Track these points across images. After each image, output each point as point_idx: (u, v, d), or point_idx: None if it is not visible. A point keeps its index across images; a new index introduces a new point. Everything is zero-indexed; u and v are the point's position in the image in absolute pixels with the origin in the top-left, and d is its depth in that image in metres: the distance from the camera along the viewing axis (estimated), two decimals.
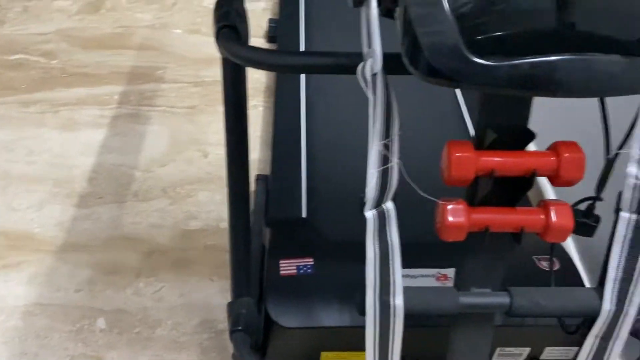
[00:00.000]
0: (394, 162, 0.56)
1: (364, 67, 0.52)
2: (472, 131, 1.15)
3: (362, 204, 0.57)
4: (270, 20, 1.79)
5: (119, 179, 1.38)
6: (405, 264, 0.62)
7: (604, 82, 0.44)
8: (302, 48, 1.52)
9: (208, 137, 1.48)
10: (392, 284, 0.61)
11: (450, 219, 0.57)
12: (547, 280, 0.85)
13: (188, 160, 1.42)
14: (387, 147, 0.54)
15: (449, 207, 0.57)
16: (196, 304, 1.14)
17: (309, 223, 1.05)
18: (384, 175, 0.56)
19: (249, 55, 0.58)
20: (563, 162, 0.55)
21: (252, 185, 1.36)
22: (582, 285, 0.92)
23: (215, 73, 1.68)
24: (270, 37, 1.78)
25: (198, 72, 1.68)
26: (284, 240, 0.99)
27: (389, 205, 0.58)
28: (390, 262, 0.60)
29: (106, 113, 1.55)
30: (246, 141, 0.76)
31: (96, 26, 1.85)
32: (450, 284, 0.89)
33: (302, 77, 1.43)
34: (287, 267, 0.90)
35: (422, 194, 0.58)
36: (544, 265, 0.90)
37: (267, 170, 1.36)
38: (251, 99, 1.59)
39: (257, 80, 1.65)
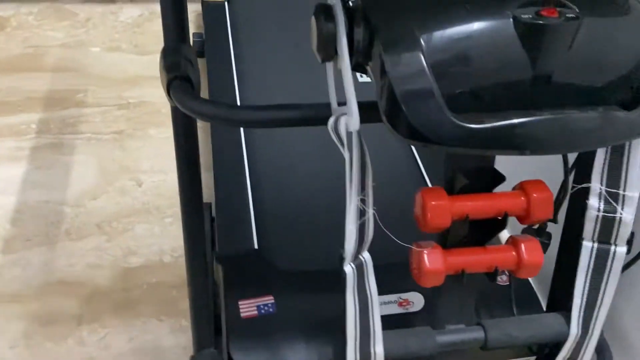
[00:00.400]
0: (370, 214, 0.54)
1: (337, 123, 0.49)
2: (424, 173, 1.14)
3: (341, 259, 0.55)
4: (195, 35, 1.73)
5: (46, 217, 1.28)
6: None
7: (582, 139, 0.44)
8: (234, 66, 1.47)
9: (140, 164, 1.41)
10: (372, 333, 0.60)
11: (429, 265, 0.56)
12: (505, 294, 0.87)
13: (121, 191, 1.34)
14: (363, 201, 0.53)
15: (426, 253, 0.56)
16: (146, 347, 1.08)
17: (261, 255, 1.01)
18: (361, 228, 0.54)
19: (208, 112, 0.54)
20: (532, 202, 0.56)
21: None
22: (534, 295, 0.95)
23: (140, 94, 1.59)
24: (198, 52, 1.71)
25: (122, 94, 1.59)
26: (239, 278, 0.95)
27: (365, 256, 0.57)
28: (370, 311, 0.59)
29: (24, 144, 1.43)
30: (200, 188, 0.72)
31: (2, 47, 1.71)
32: (412, 308, 0.89)
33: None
34: (247, 308, 0.87)
35: (398, 241, 0.56)
36: (502, 280, 0.92)
37: (209, 197, 1.31)
38: None
39: None
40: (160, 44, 1.85)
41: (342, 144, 0.49)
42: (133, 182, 1.36)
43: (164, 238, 1.26)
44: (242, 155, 1.22)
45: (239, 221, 1.08)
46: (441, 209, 0.53)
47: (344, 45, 0.46)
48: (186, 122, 0.64)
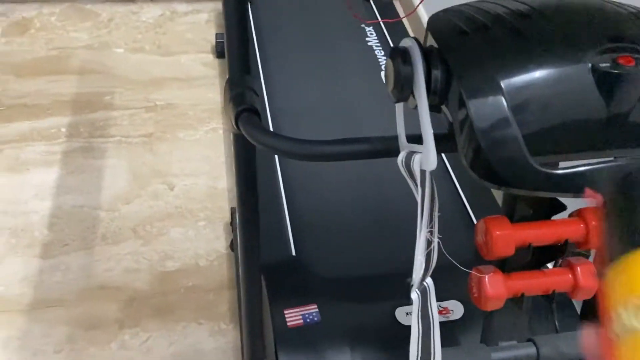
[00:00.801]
0: (435, 244, 0.56)
1: (411, 161, 0.51)
2: (462, 193, 1.13)
3: (409, 287, 0.58)
4: (218, 35, 1.74)
5: (82, 222, 1.30)
6: (406, 300, 0.64)
7: None
8: (260, 67, 1.49)
9: (171, 167, 1.43)
10: (433, 353, 0.62)
11: (490, 291, 0.58)
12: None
13: (154, 195, 1.37)
14: (431, 232, 0.55)
15: (487, 279, 0.59)
16: (187, 351, 1.11)
17: (300, 262, 1.04)
18: (427, 257, 0.56)
19: (279, 146, 0.56)
20: (591, 230, 0.58)
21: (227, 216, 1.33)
22: (574, 310, 0.97)
23: (166, 96, 1.61)
24: (219, 52, 1.73)
25: (148, 96, 1.61)
26: (282, 286, 0.98)
27: (429, 281, 0.59)
28: (432, 333, 0.61)
29: (55, 149, 1.45)
30: (257, 211, 0.74)
31: (27, 49, 1.72)
32: (452, 316, 0.92)
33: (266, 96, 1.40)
34: (293, 317, 0.90)
35: (459, 267, 0.59)
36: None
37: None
38: (209, 121, 1.55)
39: (212, 100, 1.61)
40: (182, 45, 1.88)
41: (414, 180, 0.51)
42: (165, 185, 1.39)
43: (198, 242, 1.28)
44: (274, 159, 1.24)
45: (274, 228, 1.10)
46: (506, 238, 0.55)
47: (422, 89, 0.47)
48: (248, 150, 0.65)
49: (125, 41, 1.77)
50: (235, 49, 0.62)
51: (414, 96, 0.50)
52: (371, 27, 1.59)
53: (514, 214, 0.58)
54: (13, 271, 1.21)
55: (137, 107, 1.58)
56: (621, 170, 0.44)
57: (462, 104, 0.45)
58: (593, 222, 0.58)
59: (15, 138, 1.47)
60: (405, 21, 1.72)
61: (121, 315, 1.15)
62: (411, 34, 1.64)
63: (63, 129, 1.50)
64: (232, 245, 1.26)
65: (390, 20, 1.54)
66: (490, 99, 0.44)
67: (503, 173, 0.44)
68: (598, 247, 0.60)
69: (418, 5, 1.59)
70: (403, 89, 0.49)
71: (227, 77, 0.65)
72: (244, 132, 0.59)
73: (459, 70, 0.46)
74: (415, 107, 0.50)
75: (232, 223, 1.27)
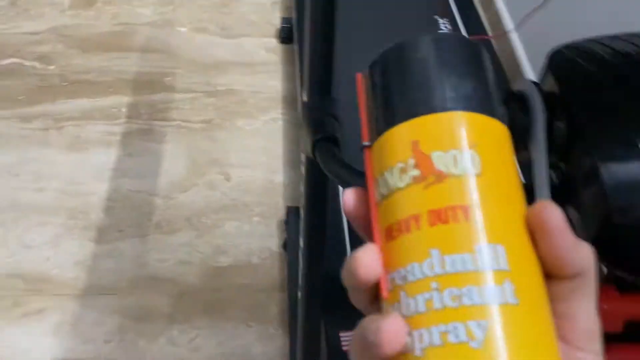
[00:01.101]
0: None
1: None
2: None
3: None
4: (284, 20, 1.68)
5: (138, 208, 1.29)
6: None
7: None
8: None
9: (229, 157, 1.40)
10: None
11: None
12: None
13: (210, 185, 1.34)
14: None
15: None
16: (235, 353, 1.09)
17: None
18: None
19: (354, 182, 0.51)
20: None
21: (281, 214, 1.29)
22: None
23: (227, 81, 1.57)
24: (284, 38, 1.67)
25: (210, 80, 1.57)
26: (339, 309, 0.93)
27: None
28: None
29: (116, 129, 1.44)
30: (324, 232, 0.69)
31: (93, 23, 1.71)
32: None
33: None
34: (348, 341, 0.85)
35: None
36: None
37: (297, 200, 1.29)
38: (269, 111, 1.50)
39: (273, 88, 1.56)
40: (246, 27, 1.82)
41: None
42: (221, 176, 1.36)
43: (252, 238, 1.25)
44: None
45: (334, 249, 1.05)
46: (613, 312, 0.49)
47: (542, 143, 0.41)
48: (322, 177, 0.60)
49: (189, 20, 1.74)
50: (316, 66, 0.56)
51: (525, 147, 0.44)
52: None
53: (623, 282, 0.51)
54: (69, 253, 1.21)
55: (198, 90, 1.54)
56: None
57: (591, 169, 0.39)
58: None
59: (76, 115, 1.47)
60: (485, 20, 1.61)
61: (171, 309, 1.14)
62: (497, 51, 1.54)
63: (124, 109, 1.49)
64: (285, 245, 1.22)
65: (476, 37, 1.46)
66: (630, 167, 0.37)
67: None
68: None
69: (505, 33, 1.49)
70: (516, 141, 0.42)
71: (304, 94, 0.60)
72: (319, 162, 0.53)
73: (590, 128, 0.39)
74: (523, 159, 0.44)
75: (286, 222, 1.23)
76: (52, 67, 1.58)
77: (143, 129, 1.45)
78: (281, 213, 1.29)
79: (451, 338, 0.22)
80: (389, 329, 0.23)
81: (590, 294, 0.25)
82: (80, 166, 1.36)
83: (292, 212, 1.22)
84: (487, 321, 0.22)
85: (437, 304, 0.22)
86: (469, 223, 0.23)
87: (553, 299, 0.25)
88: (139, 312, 1.13)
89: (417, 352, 0.22)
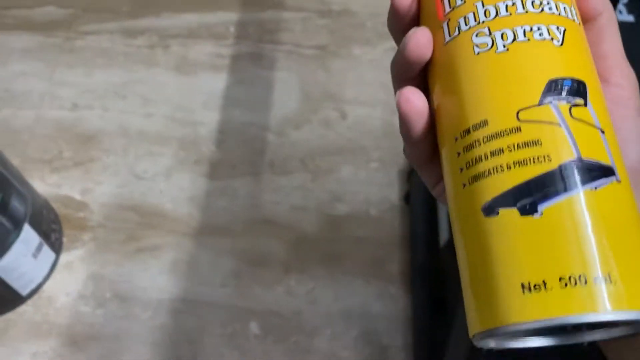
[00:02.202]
0: None
1: None
2: None
3: None
4: None
5: (250, 142, 1.22)
6: None
7: None
8: None
9: (344, 91, 1.28)
10: None
11: None
12: None
13: (325, 122, 1.24)
14: None
15: None
16: (354, 310, 1.05)
17: None
18: None
19: None
20: None
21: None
22: None
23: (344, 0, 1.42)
24: None
25: None
26: None
27: None
28: None
29: (224, 51, 1.34)
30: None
31: None
32: None
33: None
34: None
35: None
36: None
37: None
38: (389, 38, 1.35)
39: None
40: None
41: None
42: (337, 112, 1.26)
43: (370, 186, 1.17)
44: None
45: None
46: None
47: None
48: None
49: None
50: None
51: None
52: None
53: None
54: (181, 188, 1.17)
55: (310, 9, 1.40)
56: None
57: None
58: None
59: (183, 32, 1.37)
60: None
61: (287, 257, 1.10)
62: None
63: (231, 28, 1.37)
64: (408, 198, 1.14)
65: None
66: None
67: None
68: None
69: None
70: None
71: None
72: None
73: None
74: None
75: (410, 172, 1.14)
76: None
77: (252, 53, 1.34)
78: (401, 160, 1.20)
79: (536, 36, 0.24)
80: (417, 32, 0.26)
81: (616, 35, 0.27)
82: (189, 91, 1.28)
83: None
84: (564, 27, 0.25)
85: (520, 9, 0.25)
86: None
87: None
88: (255, 257, 1.10)
89: (500, 49, 0.25)
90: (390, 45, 1.35)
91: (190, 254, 1.10)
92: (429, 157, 0.28)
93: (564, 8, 0.25)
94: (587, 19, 0.27)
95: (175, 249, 1.10)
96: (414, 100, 0.26)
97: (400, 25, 0.27)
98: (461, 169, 0.25)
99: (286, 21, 1.39)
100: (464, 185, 0.25)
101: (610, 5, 0.27)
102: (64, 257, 1.09)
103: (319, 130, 1.24)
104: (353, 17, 1.39)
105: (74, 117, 1.25)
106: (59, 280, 1.07)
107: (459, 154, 0.25)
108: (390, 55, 1.33)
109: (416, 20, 0.28)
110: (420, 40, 0.26)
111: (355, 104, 1.27)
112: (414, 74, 0.27)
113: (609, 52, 0.27)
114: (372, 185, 1.17)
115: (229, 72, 1.31)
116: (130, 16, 1.39)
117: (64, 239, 1.11)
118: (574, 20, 0.26)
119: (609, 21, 0.27)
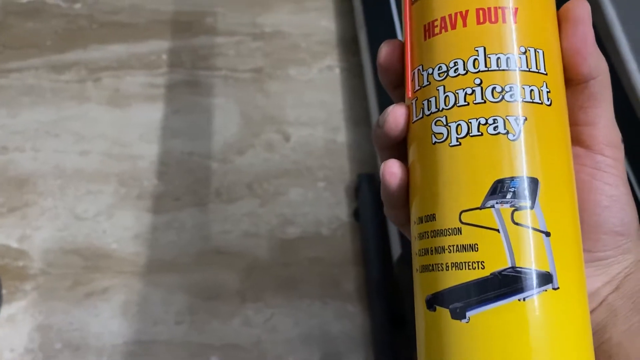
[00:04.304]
0: None
1: None
2: None
3: None
4: None
5: (193, 172, 1.20)
6: None
7: None
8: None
9: (285, 113, 1.28)
10: None
11: None
12: None
13: (268, 146, 1.24)
14: None
15: None
16: (314, 334, 1.04)
17: None
18: None
19: None
20: None
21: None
22: None
23: (275, 21, 1.42)
24: None
25: (255, 19, 1.42)
26: None
27: None
28: None
29: (158, 81, 1.31)
30: None
31: None
32: None
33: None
34: None
35: None
36: None
37: (362, 162, 1.20)
38: (323, 57, 1.37)
39: (326, 30, 1.41)
40: None
41: None
42: (279, 135, 1.25)
43: (319, 206, 1.17)
44: None
45: None
46: None
47: None
48: None
49: None
50: None
51: None
52: None
53: None
54: (125, 226, 1.13)
55: (243, 33, 1.40)
56: None
57: None
58: None
59: (112, 64, 1.33)
60: None
61: (242, 286, 1.08)
62: None
63: (164, 56, 1.35)
64: (357, 214, 1.15)
65: None
66: None
67: None
68: None
69: None
70: None
71: None
72: None
73: None
74: None
75: (357, 189, 1.15)
76: (77, 6, 1.41)
77: (187, 81, 1.32)
78: (347, 178, 1.21)
79: (490, 130, 0.24)
80: (394, 109, 0.27)
81: (607, 101, 0.26)
82: (125, 125, 1.25)
83: (364, 180, 1.14)
84: (525, 117, 0.24)
85: (478, 98, 0.24)
86: (515, 25, 0.25)
87: (572, 109, 0.26)
88: (208, 290, 1.07)
89: (453, 142, 0.24)
90: (326, 64, 1.36)
91: (141, 294, 1.06)
92: (408, 221, 0.28)
93: (531, 91, 0.24)
94: (580, 81, 0.26)
95: (125, 290, 1.07)
96: (397, 173, 0.27)
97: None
98: (416, 254, 0.26)
99: (219, 46, 1.37)
100: (417, 270, 0.26)
101: (606, 69, 0.26)
102: (5, 311, 1.03)
103: (263, 154, 1.23)
104: (286, 38, 1.40)
105: (4, 161, 1.19)
106: (2, 336, 1.01)
107: (415, 238, 0.26)
108: (326, 74, 1.35)
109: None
110: (397, 118, 0.26)
111: (297, 125, 1.27)
112: (395, 143, 0.28)
113: (598, 118, 0.26)
114: (321, 205, 1.18)
115: (164, 102, 1.28)
116: (55, 50, 1.34)
117: (4, 291, 1.05)
118: (542, 103, 0.24)
119: (603, 86, 0.26)
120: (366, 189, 1.12)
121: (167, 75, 1.32)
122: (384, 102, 1.14)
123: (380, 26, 1.23)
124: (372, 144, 1.19)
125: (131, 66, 1.33)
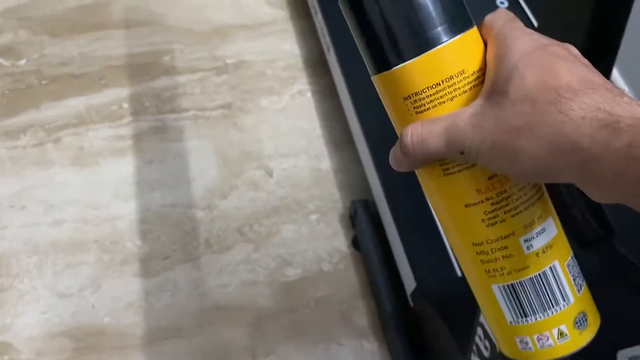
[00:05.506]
0: None
1: None
2: None
3: None
4: None
5: (178, 225, 1.12)
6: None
7: None
8: None
9: (263, 147, 1.22)
10: None
11: None
12: None
13: (252, 184, 1.18)
14: None
15: None
16: None
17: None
18: None
19: None
20: None
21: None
22: None
23: (235, 51, 1.36)
24: None
25: (214, 52, 1.35)
26: (462, 318, 0.83)
27: None
28: None
29: (123, 132, 1.23)
30: None
31: None
32: None
33: None
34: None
35: None
36: None
37: (351, 188, 1.15)
38: (292, 82, 1.32)
39: (289, 53, 1.36)
40: None
41: None
42: (262, 171, 1.19)
43: (315, 241, 1.12)
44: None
45: (430, 243, 0.93)
46: None
47: None
48: None
49: None
50: None
51: None
52: None
53: None
54: (115, 296, 1.05)
55: (205, 68, 1.33)
56: None
57: None
58: None
59: (71, 121, 1.24)
60: None
61: (250, 341, 1.02)
62: None
63: (125, 105, 1.27)
64: (356, 243, 1.10)
65: None
66: None
67: None
68: None
69: None
70: None
71: None
72: None
73: None
74: None
75: (353, 217, 1.10)
76: (22, 62, 1.31)
77: (155, 127, 1.24)
78: (340, 206, 1.16)
79: None
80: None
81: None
82: (95, 185, 1.16)
83: (359, 207, 1.09)
84: None
85: None
86: None
87: None
88: (215, 351, 1.01)
89: None
90: (296, 89, 1.31)
91: None
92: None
93: None
94: None
95: None
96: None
97: None
98: None
99: (183, 85, 1.30)
100: None
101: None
102: None
103: (248, 194, 1.17)
104: (250, 67, 1.33)
105: None
106: None
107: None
108: (298, 99, 1.29)
109: None
110: None
111: (278, 158, 1.21)
112: None
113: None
114: (317, 240, 1.12)
115: (134, 154, 1.20)
116: (5, 115, 1.24)
117: None
118: None
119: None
120: (362, 216, 1.07)
121: (132, 125, 1.24)
122: (365, 120, 1.09)
123: (349, 42, 1.18)
124: (358, 164, 1.14)
125: (92, 120, 1.24)
